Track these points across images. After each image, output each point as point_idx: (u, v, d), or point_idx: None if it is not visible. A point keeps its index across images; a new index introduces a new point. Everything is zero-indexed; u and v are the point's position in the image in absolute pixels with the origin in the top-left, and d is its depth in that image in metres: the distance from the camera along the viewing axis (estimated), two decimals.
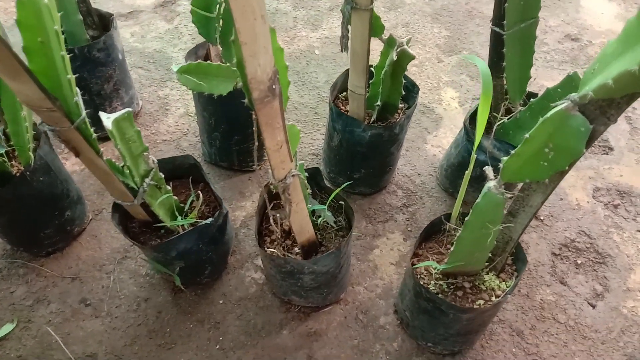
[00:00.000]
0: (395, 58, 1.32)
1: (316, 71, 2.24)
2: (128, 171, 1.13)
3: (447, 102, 2.13)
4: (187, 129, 1.96)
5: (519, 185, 1.05)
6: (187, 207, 1.35)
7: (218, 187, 1.77)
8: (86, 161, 1.03)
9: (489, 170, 0.99)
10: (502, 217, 1.01)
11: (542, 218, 1.74)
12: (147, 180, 1.15)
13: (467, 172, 1.16)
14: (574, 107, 0.80)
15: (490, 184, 0.97)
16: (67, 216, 1.52)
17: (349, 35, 1.31)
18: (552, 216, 1.75)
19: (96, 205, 1.70)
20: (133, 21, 2.44)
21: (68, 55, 0.90)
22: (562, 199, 1.81)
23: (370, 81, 1.49)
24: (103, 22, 1.77)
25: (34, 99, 0.83)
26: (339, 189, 1.28)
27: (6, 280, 1.51)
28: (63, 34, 0.88)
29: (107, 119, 0.98)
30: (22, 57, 0.78)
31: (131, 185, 1.17)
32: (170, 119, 1.99)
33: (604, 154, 1.98)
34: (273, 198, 1.37)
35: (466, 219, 1.05)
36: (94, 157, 1.01)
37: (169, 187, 1.25)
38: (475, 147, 1.11)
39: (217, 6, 1.44)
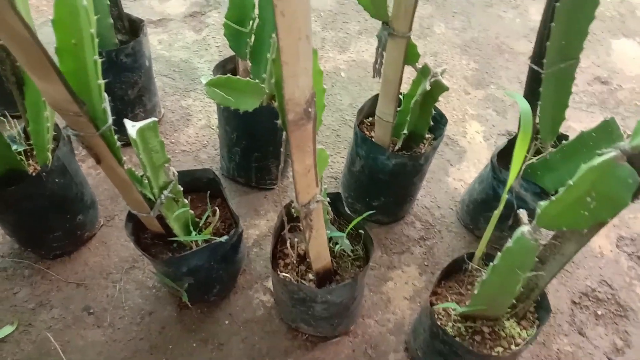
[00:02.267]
0: (428, 88, 1.29)
1: (341, 93, 2.21)
2: (147, 181, 1.10)
3: (472, 136, 2.09)
4: (207, 141, 1.93)
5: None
6: (202, 223, 1.31)
7: (233, 203, 1.73)
8: (107, 169, 1.00)
9: (523, 213, 0.95)
10: (533, 264, 0.96)
11: None
12: (165, 192, 1.12)
13: (495, 212, 1.11)
14: (623, 156, 0.75)
15: (524, 228, 0.92)
16: (78, 220, 1.49)
17: (383, 61, 1.28)
18: (573, 262, 1.69)
19: (109, 211, 1.67)
20: (162, 29, 2.44)
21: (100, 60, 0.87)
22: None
23: (399, 109, 1.46)
24: (133, 28, 1.76)
25: (61, 102, 0.80)
26: (360, 217, 1.24)
27: (10, 280, 1.47)
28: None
29: (132, 127, 0.95)
30: (54, 57, 0.76)
31: (148, 196, 1.14)
32: (191, 130, 1.97)
33: None
34: (290, 219, 1.33)
35: (494, 262, 1.00)
36: (115, 166, 0.98)
37: (186, 201, 1.22)
38: (507, 188, 1.07)
39: (250, 22, 1.42)
